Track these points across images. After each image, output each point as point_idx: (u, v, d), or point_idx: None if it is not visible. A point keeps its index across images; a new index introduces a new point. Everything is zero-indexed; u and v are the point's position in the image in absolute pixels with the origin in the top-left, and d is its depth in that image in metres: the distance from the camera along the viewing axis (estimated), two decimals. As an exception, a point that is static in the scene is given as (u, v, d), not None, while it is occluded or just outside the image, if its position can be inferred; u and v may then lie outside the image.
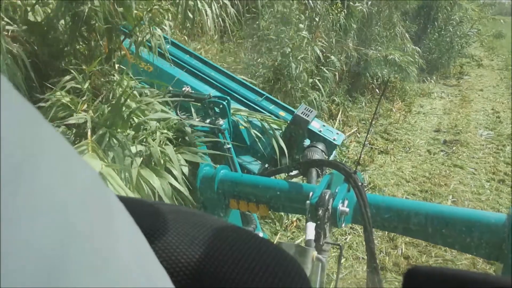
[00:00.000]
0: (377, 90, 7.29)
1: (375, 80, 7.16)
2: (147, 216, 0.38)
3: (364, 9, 6.23)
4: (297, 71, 4.59)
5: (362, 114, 6.47)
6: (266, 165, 2.42)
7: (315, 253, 1.45)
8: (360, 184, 1.42)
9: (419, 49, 8.14)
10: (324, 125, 2.40)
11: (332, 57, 5.31)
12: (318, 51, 5.03)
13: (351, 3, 5.90)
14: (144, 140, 1.86)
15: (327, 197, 1.37)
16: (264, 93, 2.71)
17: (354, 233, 3.40)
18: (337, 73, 5.90)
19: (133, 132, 1.88)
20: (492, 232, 1.26)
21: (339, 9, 5.64)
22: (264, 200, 1.68)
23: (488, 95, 8.64)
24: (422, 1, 9.21)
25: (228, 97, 2.28)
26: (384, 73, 7.05)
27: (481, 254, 1.33)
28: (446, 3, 10.05)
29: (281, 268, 0.34)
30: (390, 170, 4.65)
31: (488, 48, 15.62)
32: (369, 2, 6.43)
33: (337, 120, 5.71)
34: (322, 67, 5.22)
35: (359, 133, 5.79)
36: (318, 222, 1.36)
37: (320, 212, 1.35)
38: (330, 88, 5.71)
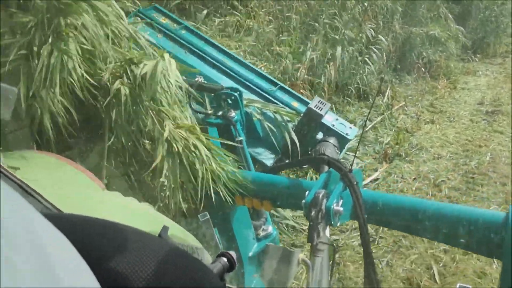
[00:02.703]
0: (422, 69, 7.80)
1: (420, 60, 7.68)
2: (96, 236, 0.47)
3: (409, -7, 6.77)
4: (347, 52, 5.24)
5: (409, 91, 7.03)
6: (278, 157, 2.42)
7: (301, 256, 1.55)
8: (355, 182, 1.40)
9: (463, 29, 8.54)
10: (337, 119, 2.37)
11: (380, 36, 5.89)
12: (368, 32, 5.66)
13: (397, -13, 6.45)
14: None
15: (320, 197, 1.36)
16: (278, 82, 2.69)
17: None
18: (384, 53, 6.49)
19: None
20: (491, 231, 1.25)
21: (385, -6, 6.23)
22: (267, 196, 1.73)
23: (534, 71, 8.89)
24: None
25: (240, 89, 2.24)
26: (429, 52, 7.59)
27: (482, 252, 1.34)
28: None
29: (193, 274, 0.46)
30: (436, 136, 5.23)
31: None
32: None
33: (386, 95, 6.29)
34: (371, 46, 5.83)
35: (406, 107, 6.35)
36: (311, 223, 1.36)
37: (312, 213, 1.34)
38: (379, 66, 6.31)
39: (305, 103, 2.44)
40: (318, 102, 2.24)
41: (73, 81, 1.65)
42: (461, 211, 1.34)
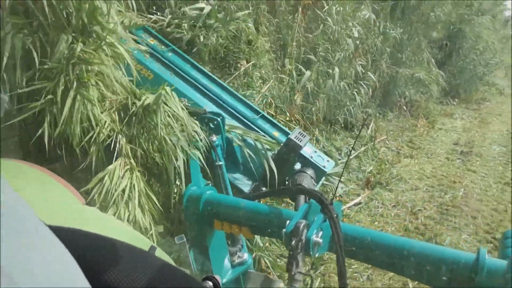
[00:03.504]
0: (404, 107, 8.27)
1: (402, 99, 8.16)
2: (88, 249, 0.46)
3: (397, 36, 7.24)
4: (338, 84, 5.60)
5: (391, 126, 7.45)
6: (255, 184, 2.42)
7: (281, 285, 1.56)
8: (335, 215, 1.41)
9: (443, 73, 9.11)
10: (315, 151, 2.40)
11: (369, 73, 6.31)
12: (358, 68, 6.06)
13: (386, 30, 6.92)
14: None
15: (301, 227, 1.37)
16: (260, 111, 2.70)
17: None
18: (370, 89, 6.91)
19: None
20: (462, 272, 1.26)
21: (376, 35, 6.68)
22: (246, 223, 1.70)
23: (506, 119, 9.46)
24: (448, 32, 10.11)
25: (223, 114, 2.28)
26: (411, 92, 8.08)
27: None
28: (471, 34, 10.94)
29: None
30: (414, 169, 5.60)
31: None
32: (401, 30, 7.44)
33: (370, 128, 6.67)
34: (360, 82, 6.23)
35: (387, 141, 6.74)
36: (291, 252, 1.36)
37: (293, 243, 1.34)
38: (365, 101, 6.71)
39: (286, 134, 2.52)
40: (298, 133, 2.29)
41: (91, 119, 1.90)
42: (433, 250, 1.36)
